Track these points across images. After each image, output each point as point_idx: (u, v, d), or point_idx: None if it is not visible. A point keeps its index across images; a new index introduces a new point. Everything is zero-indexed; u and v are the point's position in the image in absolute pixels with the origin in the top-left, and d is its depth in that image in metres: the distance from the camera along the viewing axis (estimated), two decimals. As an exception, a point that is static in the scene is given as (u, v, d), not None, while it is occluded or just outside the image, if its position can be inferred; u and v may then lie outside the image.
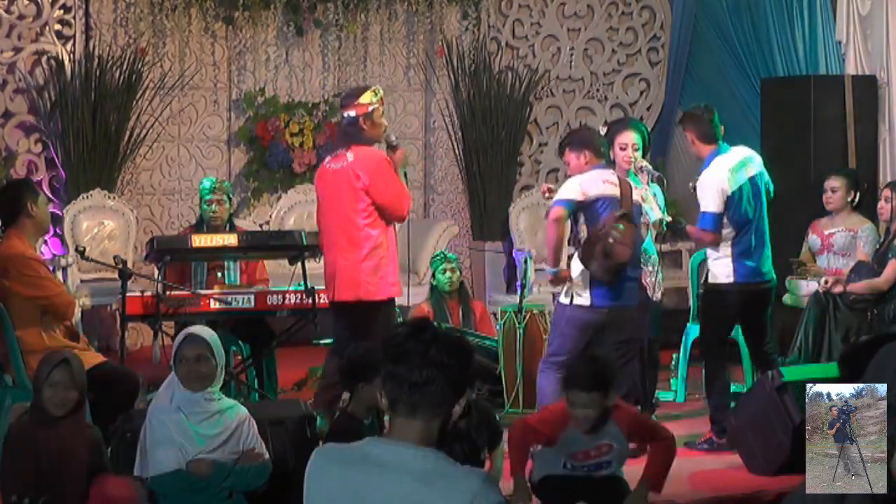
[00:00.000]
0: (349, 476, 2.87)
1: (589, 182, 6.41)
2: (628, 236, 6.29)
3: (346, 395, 7.53)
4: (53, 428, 4.89)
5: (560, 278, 6.46)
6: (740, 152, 6.83)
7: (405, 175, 6.78)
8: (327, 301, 6.78)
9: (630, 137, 6.99)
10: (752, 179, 6.76)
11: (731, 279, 6.70)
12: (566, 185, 6.50)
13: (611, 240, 6.26)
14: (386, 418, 2.99)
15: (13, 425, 5.07)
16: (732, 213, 6.67)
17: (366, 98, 6.56)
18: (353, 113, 6.56)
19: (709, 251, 6.85)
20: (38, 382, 4.99)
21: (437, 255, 8.30)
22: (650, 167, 7.08)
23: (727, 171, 6.69)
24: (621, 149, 6.94)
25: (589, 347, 6.55)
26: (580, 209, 6.39)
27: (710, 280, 6.85)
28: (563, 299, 6.49)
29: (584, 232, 6.42)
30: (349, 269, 6.48)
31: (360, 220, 6.48)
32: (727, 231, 6.70)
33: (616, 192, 6.38)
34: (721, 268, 6.74)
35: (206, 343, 5.07)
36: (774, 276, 6.90)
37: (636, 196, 6.57)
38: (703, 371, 7.17)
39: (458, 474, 2.82)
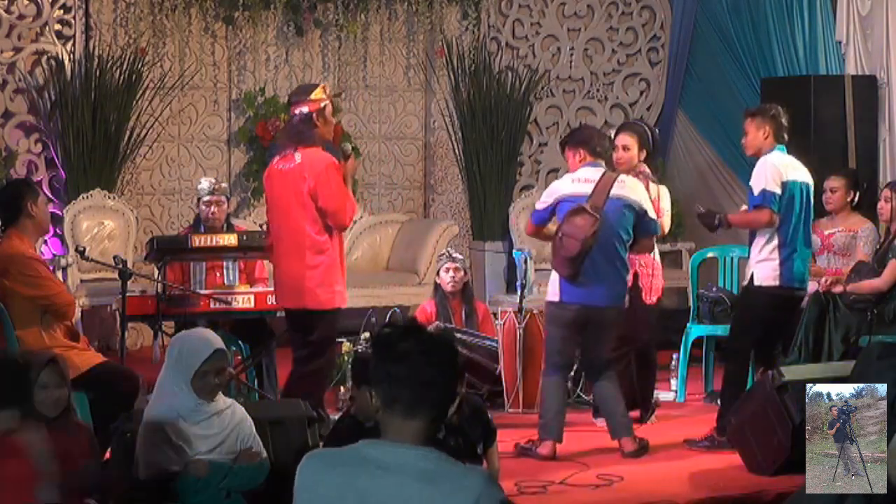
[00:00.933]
0: (349, 480, 2.84)
1: (558, 186, 6.63)
2: (580, 231, 6.32)
3: (347, 397, 7.57)
4: (47, 431, 4.83)
5: None
6: (796, 160, 6.83)
7: (353, 184, 6.72)
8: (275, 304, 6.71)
9: (619, 140, 7.12)
10: (806, 186, 6.75)
11: (777, 282, 6.69)
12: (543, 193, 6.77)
13: (559, 234, 6.37)
14: None
15: (3, 435, 4.95)
16: (786, 204, 6.67)
17: (318, 94, 6.41)
18: (305, 109, 6.37)
19: (754, 252, 6.77)
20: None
21: (443, 254, 8.31)
22: (648, 171, 7.13)
23: (785, 161, 6.71)
24: (616, 150, 7.05)
25: (584, 348, 6.62)
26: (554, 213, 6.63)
27: (755, 282, 6.75)
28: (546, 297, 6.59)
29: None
30: (295, 276, 6.30)
31: (308, 224, 6.27)
32: (773, 230, 6.69)
33: (587, 189, 6.44)
34: (767, 270, 6.69)
35: (227, 355, 5.08)
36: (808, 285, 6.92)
37: (634, 196, 6.55)
38: (713, 370, 7.17)
39: (461, 474, 2.81)
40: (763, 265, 6.71)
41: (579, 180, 6.51)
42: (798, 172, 6.75)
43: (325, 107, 6.41)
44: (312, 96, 6.41)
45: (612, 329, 6.62)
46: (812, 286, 7.43)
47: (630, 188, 6.54)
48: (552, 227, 6.62)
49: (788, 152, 6.78)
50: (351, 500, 2.83)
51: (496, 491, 2.81)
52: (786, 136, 6.78)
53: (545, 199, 6.62)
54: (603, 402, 6.64)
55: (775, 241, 6.67)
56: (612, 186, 6.44)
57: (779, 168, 6.65)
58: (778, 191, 6.62)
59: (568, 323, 6.52)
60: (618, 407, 6.59)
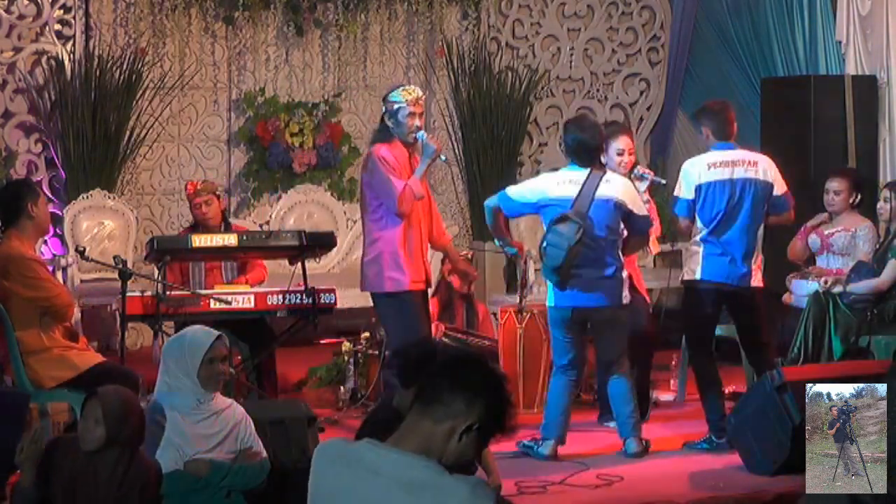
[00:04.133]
0: (343, 478, 2.90)
1: (544, 186, 6.59)
2: (564, 240, 6.32)
3: (347, 396, 7.56)
4: (91, 459, 4.59)
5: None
6: (735, 154, 6.80)
7: (444, 160, 6.97)
8: None
9: (622, 143, 7.04)
10: (742, 181, 6.72)
11: (698, 276, 6.73)
12: None
13: (545, 243, 6.38)
14: None
15: (59, 437, 4.78)
16: (701, 207, 6.69)
17: (394, 96, 6.63)
18: (383, 108, 6.72)
19: (687, 247, 6.91)
20: None
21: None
22: (650, 174, 7.11)
23: (705, 163, 6.72)
24: (618, 154, 6.97)
25: (587, 349, 6.63)
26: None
27: (683, 276, 6.92)
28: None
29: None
30: (361, 263, 6.70)
31: (367, 214, 6.62)
32: (699, 226, 6.74)
33: (573, 192, 6.41)
34: (690, 263, 6.81)
35: (227, 340, 5.11)
36: (750, 280, 6.83)
37: (620, 196, 6.53)
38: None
39: (446, 486, 2.82)
40: (690, 259, 6.84)
41: (565, 182, 6.48)
42: (715, 171, 6.70)
43: (398, 109, 6.58)
44: (389, 97, 6.69)
45: (615, 327, 6.59)
46: (812, 286, 7.43)
47: (614, 186, 6.49)
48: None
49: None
50: (341, 496, 2.89)
51: (482, 502, 2.83)
52: (728, 132, 6.79)
53: (527, 195, 6.56)
54: (611, 399, 6.64)
55: (698, 236, 6.76)
56: (597, 187, 6.42)
57: (691, 173, 6.70)
58: (689, 197, 6.69)
59: (566, 325, 6.53)
60: (625, 407, 6.59)
